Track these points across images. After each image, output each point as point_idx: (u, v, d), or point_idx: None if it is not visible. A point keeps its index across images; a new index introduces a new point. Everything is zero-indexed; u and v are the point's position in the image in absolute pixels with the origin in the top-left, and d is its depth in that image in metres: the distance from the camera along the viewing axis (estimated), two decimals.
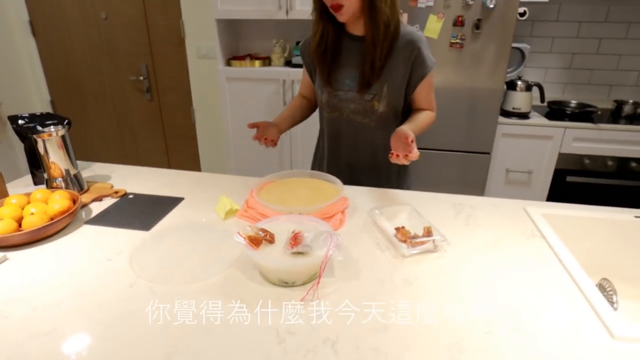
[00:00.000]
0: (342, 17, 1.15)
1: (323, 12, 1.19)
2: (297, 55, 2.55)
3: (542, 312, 0.74)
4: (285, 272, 0.79)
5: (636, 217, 1.09)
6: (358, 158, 1.35)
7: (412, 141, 1.02)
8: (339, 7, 1.12)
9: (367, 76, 1.20)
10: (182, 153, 3.21)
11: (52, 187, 1.18)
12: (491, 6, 2.03)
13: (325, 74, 1.26)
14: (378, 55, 1.17)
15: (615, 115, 2.46)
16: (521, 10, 2.15)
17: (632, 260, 1.10)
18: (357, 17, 1.18)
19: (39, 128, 1.18)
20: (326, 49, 1.24)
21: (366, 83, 1.21)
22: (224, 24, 2.57)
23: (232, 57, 2.66)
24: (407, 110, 1.33)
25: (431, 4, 2.10)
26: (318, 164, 1.49)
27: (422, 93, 1.27)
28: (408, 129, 1.10)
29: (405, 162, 1.04)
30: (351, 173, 1.37)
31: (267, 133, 1.27)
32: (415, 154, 1.01)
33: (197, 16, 2.73)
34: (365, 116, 1.28)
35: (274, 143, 1.28)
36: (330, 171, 1.24)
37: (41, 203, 1.04)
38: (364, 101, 1.24)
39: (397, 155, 1.03)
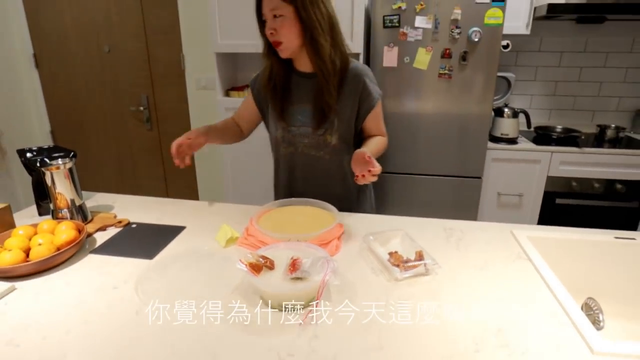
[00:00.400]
0: (282, 53, 1.19)
1: (270, 49, 1.23)
2: None
3: (528, 330, 0.79)
4: (285, 297, 0.83)
5: (616, 238, 1.15)
6: (316, 189, 1.35)
7: (369, 157, 1.07)
8: (278, 44, 1.17)
9: (322, 112, 1.24)
10: (180, 181, 3.26)
11: (57, 218, 1.22)
12: (476, 40, 2.14)
13: (279, 110, 1.29)
14: (331, 90, 1.22)
15: (599, 139, 2.56)
16: (504, 42, 2.27)
17: (615, 280, 1.15)
18: (300, 54, 1.22)
19: (47, 161, 1.23)
20: (275, 85, 1.27)
21: (321, 119, 1.25)
22: (223, 57, 2.66)
23: (231, 88, 2.75)
24: (358, 140, 1.37)
25: (420, 37, 2.21)
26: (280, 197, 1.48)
27: (372, 123, 1.33)
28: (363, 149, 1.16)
29: (372, 179, 1.08)
30: None
31: (188, 150, 1.24)
32: (377, 168, 1.06)
33: (197, 50, 2.84)
34: (319, 149, 1.31)
35: (189, 163, 1.27)
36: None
37: (48, 234, 1.08)
38: (317, 135, 1.28)
39: (363, 176, 1.08)
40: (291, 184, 1.41)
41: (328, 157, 1.32)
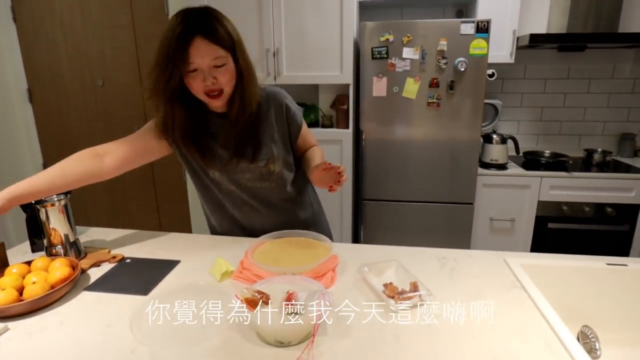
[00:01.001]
0: (219, 101, 1.12)
1: (174, 96, 1.12)
2: None
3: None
4: (281, 333, 0.83)
5: (608, 264, 1.16)
6: (267, 219, 1.34)
7: (327, 165, 1.09)
8: (218, 93, 1.10)
9: (249, 149, 1.21)
10: (173, 212, 3.26)
11: (51, 255, 1.22)
12: (462, 69, 2.21)
13: (209, 155, 1.23)
14: (254, 126, 1.21)
15: (587, 163, 2.61)
16: (490, 71, 2.34)
17: (609, 307, 1.16)
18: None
19: (43, 198, 1.23)
20: (197, 132, 1.20)
21: (249, 155, 1.22)
22: None
23: None
24: (296, 160, 1.36)
25: (408, 68, 2.28)
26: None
27: (303, 139, 1.33)
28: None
29: (344, 180, 1.09)
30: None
31: None
32: (341, 168, 1.08)
33: None
34: (263, 181, 1.28)
35: None
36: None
37: (42, 271, 1.07)
38: (259, 167, 1.24)
39: (332, 186, 1.10)
40: (241, 219, 1.36)
41: (274, 185, 1.30)
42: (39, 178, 1.10)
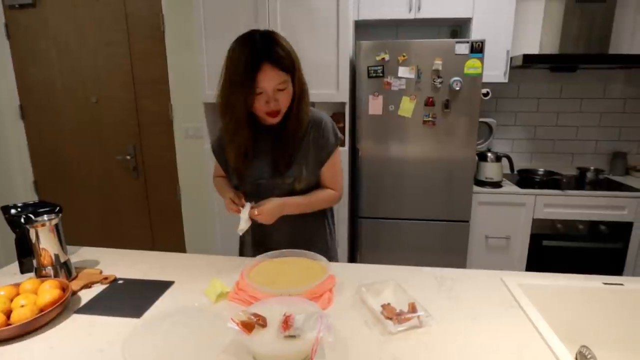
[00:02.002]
0: (277, 119, 1.21)
1: (245, 119, 1.20)
2: None
3: None
4: (278, 357, 0.81)
5: (604, 283, 1.16)
6: (285, 234, 1.36)
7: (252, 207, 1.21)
8: (277, 113, 1.18)
9: (281, 163, 1.26)
10: (167, 231, 3.22)
11: (41, 276, 1.19)
12: (457, 88, 2.24)
13: (244, 166, 1.29)
14: (295, 142, 1.26)
15: (580, 181, 2.63)
16: (484, 90, 2.37)
17: (607, 326, 1.15)
18: None
19: (32, 217, 1.21)
20: (240, 145, 1.26)
21: (285, 168, 1.27)
22: (211, 107, 2.72)
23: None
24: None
25: (403, 87, 2.30)
26: (245, 248, 1.48)
27: (327, 172, 1.33)
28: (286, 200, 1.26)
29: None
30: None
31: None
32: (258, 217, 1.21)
33: (186, 100, 2.89)
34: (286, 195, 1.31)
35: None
36: (258, 251, 1.27)
37: (31, 294, 1.04)
38: (286, 185, 1.29)
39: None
40: (265, 231, 1.35)
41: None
42: (229, 184, 1.40)
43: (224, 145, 1.31)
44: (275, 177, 1.29)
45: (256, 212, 1.22)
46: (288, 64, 1.13)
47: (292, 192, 1.30)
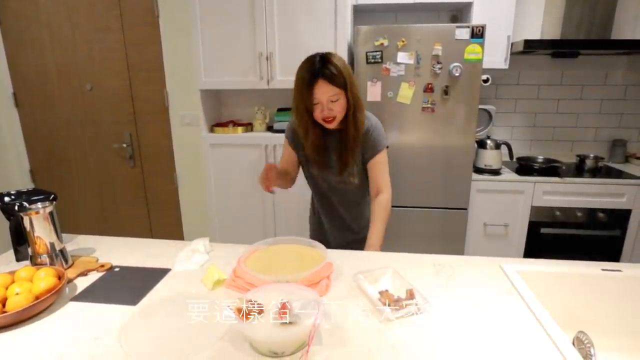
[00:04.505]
0: (332, 125, 1.42)
1: (311, 122, 1.44)
2: (278, 121, 2.67)
3: None
4: (275, 344, 0.81)
5: (603, 270, 1.16)
6: (347, 209, 1.67)
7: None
8: (332, 119, 1.40)
9: (344, 161, 1.50)
10: (164, 218, 3.21)
11: (36, 264, 1.18)
12: (457, 74, 2.21)
13: (314, 157, 1.54)
14: (351, 145, 1.47)
15: (579, 168, 2.62)
16: (484, 77, 2.34)
17: (605, 312, 1.15)
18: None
19: (26, 205, 1.19)
20: (312, 141, 1.49)
21: (343, 166, 1.51)
22: (207, 94, 2.69)
23: (215, 124, 2.76)
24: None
25: (402, 72, 2.27)
26: (316, 227, 1.79)
27: (374, 171, 1.55)
28: (374, 242, 1.52)
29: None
30: (341, 224, 1.70)
31: (272, 178, 1.44)
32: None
33: (181, 87, 2.86)
34: (346, 185, 1.60)
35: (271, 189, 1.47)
36: (326, 228, 1.69)
37: (26, 282, 1.04)
38: (345, 177, 1.56)
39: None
40: (328, 207, 1.69)
41: (353, 188, 1.61)
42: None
43: (297, 139, 1.55)
44: (335, 173, 1.54)
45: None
46: (340, 80, 1.34)
47: (349, 182, 1.57)
